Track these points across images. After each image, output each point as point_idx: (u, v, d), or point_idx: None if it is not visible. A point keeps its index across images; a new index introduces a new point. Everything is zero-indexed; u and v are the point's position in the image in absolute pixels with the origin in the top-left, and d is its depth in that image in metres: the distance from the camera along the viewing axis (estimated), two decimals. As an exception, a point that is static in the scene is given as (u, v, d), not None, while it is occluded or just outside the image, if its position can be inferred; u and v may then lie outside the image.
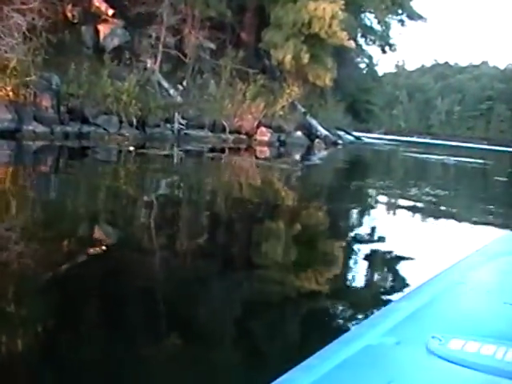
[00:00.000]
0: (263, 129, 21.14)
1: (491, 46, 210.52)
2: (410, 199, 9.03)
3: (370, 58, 46.17)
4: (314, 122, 27.38)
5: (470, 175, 18.22)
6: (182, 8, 20.91)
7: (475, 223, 7.09)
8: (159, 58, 20.41)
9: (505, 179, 17.24)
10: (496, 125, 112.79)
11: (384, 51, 44.71)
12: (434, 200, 9.21)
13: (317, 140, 23.46)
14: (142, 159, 12.96)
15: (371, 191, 10.38)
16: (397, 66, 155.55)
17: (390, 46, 43.46)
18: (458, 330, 1.41)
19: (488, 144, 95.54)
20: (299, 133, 22.69)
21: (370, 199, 9.33)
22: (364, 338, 1.43)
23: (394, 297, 3.56)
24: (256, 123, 21.24)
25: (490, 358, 1.26)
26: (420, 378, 1.24)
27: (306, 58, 20.59)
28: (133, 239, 4.99)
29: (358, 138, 45.17)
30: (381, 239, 5.90)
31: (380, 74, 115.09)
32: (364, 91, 43.27)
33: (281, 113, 22.43)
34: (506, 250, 2.30)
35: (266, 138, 20.95)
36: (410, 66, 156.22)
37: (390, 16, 42.65)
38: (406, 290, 3.55)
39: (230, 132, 20.93)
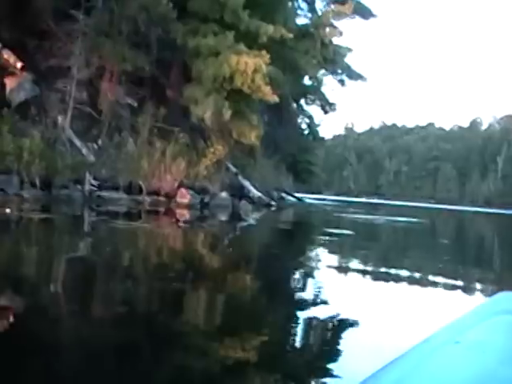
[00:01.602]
0: (183, 190, 19.58)
1: (437, 108, 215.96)
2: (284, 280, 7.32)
3: (310, 117, 45.50)
4: (246, 183, 26.06)
5: (389, 238, 16.49)
6: (96, 61, 19.52)
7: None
8: (69, 114, 18.90)
9: (425, 239, 15.80)
10: (443, 184, 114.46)
11: (325, 111, 44.19)
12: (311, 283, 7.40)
13: (242, 202, 21.92)
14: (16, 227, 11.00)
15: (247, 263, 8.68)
16: (346, 128, 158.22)
17: (330, 105, 42.96)
18: None
19: (435, 203, 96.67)
20: (224, 194, 21.16)
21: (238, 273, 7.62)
22: None
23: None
24: (176, 184, 19.72)
25: None
26: None
27: (227, 114, 19.24)
28: None
29: (299, 199, 44.10)
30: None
31: (330, 136, 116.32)
32: (304, 151, 42.36)
33: (204, 173, 20.98)
34: (501, 310, 2.31)
35: (185, 200, 19.36)
36: (359, 128, 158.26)
37: (325, 74, 42.47)
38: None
39: (149, 193, 19.37)
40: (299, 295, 5.90)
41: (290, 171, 42.95)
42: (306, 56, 23.13)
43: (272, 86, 20.80)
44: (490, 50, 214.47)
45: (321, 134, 48.01)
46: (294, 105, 44.85)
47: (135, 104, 21.90)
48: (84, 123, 20.24)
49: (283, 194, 42.50)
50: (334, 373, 3.19)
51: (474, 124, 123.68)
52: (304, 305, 5.17)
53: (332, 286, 6.47)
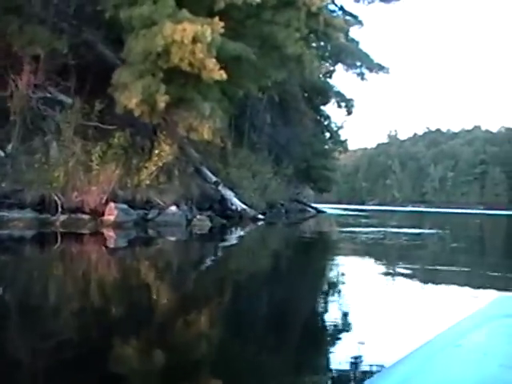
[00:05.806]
0: (112, 205, 14.77)
1: (483, 110, 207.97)
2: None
3: (328, 118, 40.46)
4: (228, 194, 21.35)
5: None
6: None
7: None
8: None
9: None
10: (491, 188, 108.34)
11: (348, 112, 39.13)
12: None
13: (197, 217, 16.93)
14: None
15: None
16: (389, 136, 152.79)
17: (347, 101, 37.91)
18: None
19: (484, 208, 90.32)
20: (174, 208, 16.19)
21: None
22: None
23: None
24: (105, 197, 14.97)
25: None
26: None
27: (162, 101, 14.40)
28: None
29: (319, 210, 39.02)
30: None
31: (373, 145, 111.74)
32: (320, 156, 37.21)
33: (147, 182, 16.21)
34: (500, 313, 2.29)
35: (112, 218, 14.54)
36: (403, 135, 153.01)
37: (345, 68, 37.47)
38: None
39: (70, 210, 14.71)
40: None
41: (305, 179, 37.98)
42: (287, 29, 18.12)
43: (241, 68, 16.27)
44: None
45: (349, 140, 42.41)
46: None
47: (69, 100, 17.37)
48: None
49: (300, 206, 37.66)
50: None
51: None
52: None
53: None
